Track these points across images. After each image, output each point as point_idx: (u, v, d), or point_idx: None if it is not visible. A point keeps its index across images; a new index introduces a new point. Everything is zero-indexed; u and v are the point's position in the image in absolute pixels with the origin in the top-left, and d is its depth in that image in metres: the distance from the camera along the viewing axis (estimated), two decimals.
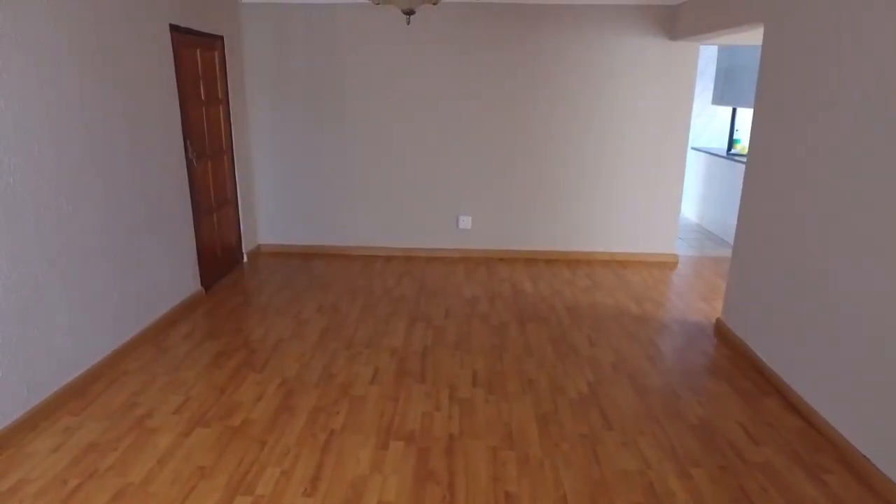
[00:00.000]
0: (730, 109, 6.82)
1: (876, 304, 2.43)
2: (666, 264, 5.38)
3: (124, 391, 2.98)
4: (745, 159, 6.09)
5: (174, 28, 3.83)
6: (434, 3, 2.17)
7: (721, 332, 3.83)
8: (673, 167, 5.23)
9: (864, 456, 2.46)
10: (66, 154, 2.87)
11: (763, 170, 3.42)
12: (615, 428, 2.76)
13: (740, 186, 5.97)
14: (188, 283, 4.13)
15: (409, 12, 2.19)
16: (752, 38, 4.66)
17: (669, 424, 2.79)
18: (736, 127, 6.57)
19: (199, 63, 4.22)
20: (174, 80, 3.85)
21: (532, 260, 5.42)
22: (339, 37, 4.94)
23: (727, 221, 6.21)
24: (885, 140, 2.40)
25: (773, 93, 3.32)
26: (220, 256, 4.64)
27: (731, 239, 6.08)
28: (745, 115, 6.77)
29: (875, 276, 2.44)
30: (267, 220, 5.44)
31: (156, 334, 3.64)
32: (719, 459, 2.54)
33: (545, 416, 2.85)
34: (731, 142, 6.57)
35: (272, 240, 5.47)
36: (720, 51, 6.34)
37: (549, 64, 4.97)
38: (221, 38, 4.55)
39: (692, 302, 4.44)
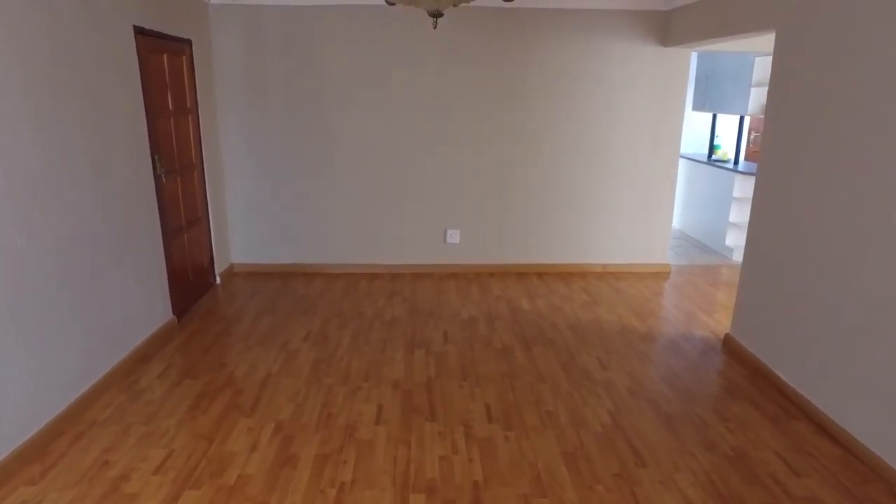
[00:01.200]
0: (708, 115, 6.81)
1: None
2: (660, 274, 5.27)
3: (93, 448, 2.59)
4: (726, 165, 6.09)
5: (139, 31, 3.44)
6: (455, 6, 1.92)
7: (731, 348, 3.70)
8: (665, 176, 5.12)
9: None
10: (16, 177, 2.47)
11: (774, 180, 3.30)
12: (649, 464, 2.55)
13: (722, 192, 6.00)
14: (159, 312, 3.73)
15: (437, 15, 1.93)
16: (745, 45, 4.60)
17: (704, 457, 2.61)
18: (716, 133, 6.55)
19: (166, 69, 3.83)
20: (140, 88, 3.47)
21: (524, 274, 5.22)
22: (317, 41, 4.62)
23: (711, 228, 6.17)
24: None
25: (784, 101, 3.20)
26: (191, 280, 4.24)
27: (715, 246, 6.06)
28: (725, 121, 6.78)
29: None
30: (240, 239, 5.05)
31: (126, 375, 3.24)
32: (764, 496, 2.37)
33: (572, 454, 2.62)
34: (712, 148, 6.55)
35: (246, 259, 5.08)
36: (699, 57, 6.30)
37: (538, 71, 4.79)
38: (189, 41, 4.16)
39: (694, 315, 4.32)
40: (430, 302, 4.50)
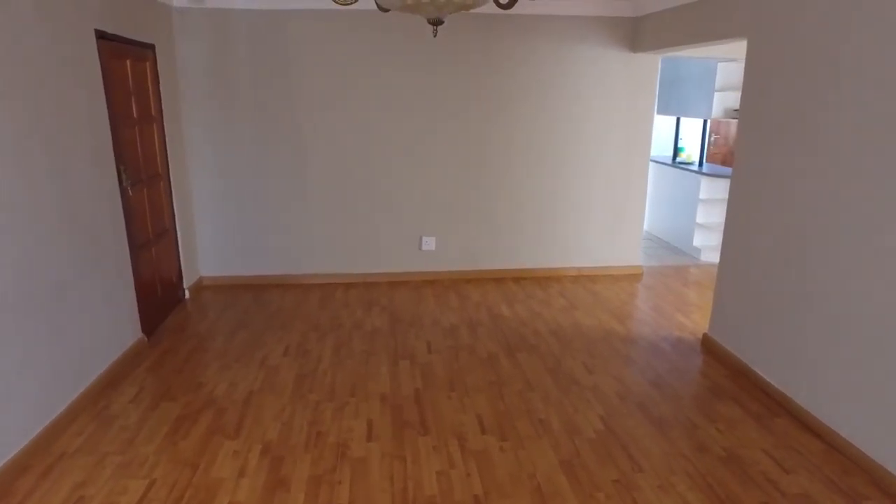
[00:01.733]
0: (671, 119, 6.99)
1: (880, 308, 2.41)
2: (633, 276, 5.35)
3: (65, 483, 2.42)
4: (691, 167, 6.26)
5: (100, 35, 3.26)
6: (449, 13, 1.88)
7: (710, 347, 3.78)
8: (635, 179, 5.21)
9: (893, 473, 2.42)
10: None
11: (749, 182, 3.40)
12: (646, 469, 2.57)
13: (689, 194, 6.16)
14: (128, 331, 3.53)
15: (437, 23, 1.89)
16: (709, 51, 4.73)
17: (698, 459, 2.64)
18: (680, 136, 6.73)
19: (129, 75, 3.65)
20: (103, 95, 3.28)
21: (500, 279, 5.21)
22: (287, 47, 4.50)
23: (678, 229, 6.33)
24: (871, 150, 2.39)
25: (757, 106, 3.30)
26: (160, 296, 4.05)
27: (683, 246, 6.21)
28: (688, 125, 6.98)
29: (875, 282, 2.42)
30: (209, 251, 4.85)
31: (95, 400, 3.05)
32: (759, 495, 2.41)
33: (569, 462, 2.61)
34: (676, 150, 6.72)
35: (215, 272, 4.89)
36: (664, 62, 6.44)
37: (511, 77, 4.80)
38: (153, 46, 3.98)
39: (671, 316, 4.40)
40: (409, 311, 4.44)
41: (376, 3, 1.88)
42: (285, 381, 3.30)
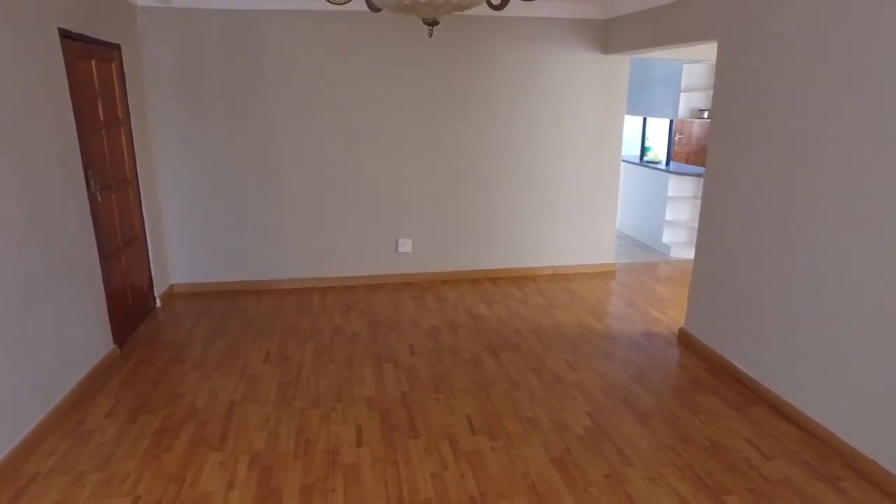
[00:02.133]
0: (637, 119, 7.15)
1: (849, 299, 2.52)
2: (606, 273, 5.45)
3: None
4: (658, 166, 6.42)
5: (65, 34, 3.12)
6: (444, 13, 1.87)
7: (687, 341, 3.88)
8: (607, 178, 5.31)
9: (870, 458, 2.54)
10: None
11: (721, 180, 3.50)
12: (635, 463, 2.61)
13: (657, 192, 6.31)
14: (99, 342, 3.39)
15: (433, 23, 1.88)
16: (676, 53, 4.87)
17: (684, 450, 2.71)
18: (646, 136, 6.89)
19: (95, 77, 3.51)
20: (69, 97, 3.15)
21: (477, 280, 5.23)
22: (259, 48, 4.40)
23: (648, 226, 6.48)
24: (837, 147, 2.50)
25: (728, 106, 3.41)
26: (131, 305, 3.90)
27: (653, 243, 6.36)
28: (654, 125, 7.15)
29: (845, 273, 2.53)
30: (180, 257, 4.71)
31: (67, 416, 2.91)
32: (744, 481, 2.49)
33: (560, 460, 2.63)
34: (643, 149, 6.88)
35: (187, 279, 4.75)
36: (631, 63, 6.60)
37: (485, 79, 4.82)
38: (118, 47, 3.84)
39: (646, 312, 4.50)
40: (388, 314, 4.40)
41: (367, 4, 1.86)
42: (268, 389, 3.23)
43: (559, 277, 5.34)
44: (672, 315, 4.41)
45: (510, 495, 2.39)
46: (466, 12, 4.49)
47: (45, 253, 2.86)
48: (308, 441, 2.75)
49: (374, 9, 1.91)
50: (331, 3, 1.77)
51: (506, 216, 5.21)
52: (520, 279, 5.27)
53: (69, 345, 3.06)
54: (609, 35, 4.84)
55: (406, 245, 5.09)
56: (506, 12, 4.61)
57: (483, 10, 4.56)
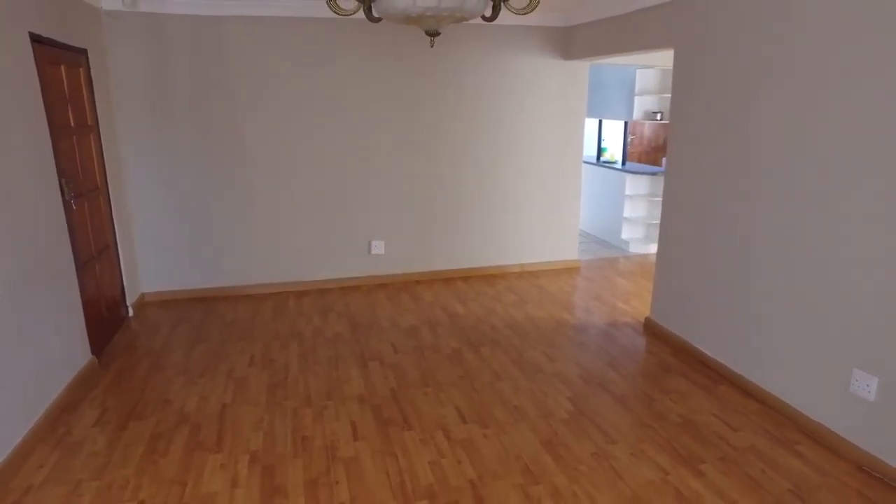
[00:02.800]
0: (593, 121, 7.47)
1: (797, 285, 2.80)
2: (572, 269, 5.70)
3: None
4: (615, 166, 6.73)
5: (35, 38, 3.07)
6: (445, 25, 2.00)
7: (652, 330, 4.14)
8: (571, 178, 5.56)
9: (820, 423, 2.82)
10: None
11: (681, 178, 3.77)
12: (618, 441, 2.81)
13: (615, 191, 6.63)
14: (78, 353, 3.33)
15: (434, 34, 2.00)
16: (631, 59, 5.15)
17: (660, 427, 2.92)
18: (602, 137, 7.22)
19: (64, 82, 3.44)
20: (42, 103, 3.09)
21: (449, 279, 5.37)
22: (227, 53, 4.40)
23: (607, 224, 6.78)
24: (784, 146, 2.79)
25: (685, 108, 3.68)
26: (105, 315, 3.83)
27: (612, 240, 6.66)
28: (609, 126, 7.49)
29: (793, 261, 2.81)
30: (151, 265, 4.63)
31: (51, 428, 2.86)
32: (716, 451, 2.72)
33: (549, 442, 2.80)
34: (600, 150, 7.20)
35: (159, 287, 4.67)
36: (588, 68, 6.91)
37: (453, 83, 4.97)
38: (85, 51, 3.77)
39: (612, 304, 4.75)
40: (366, 315, 4.48)
41: (366, 14, 1.96)
42: (257, 391, 3.25)
43: (527, 274, 5.54)
44: (636, 306, 4.67)
45: (506, 476, 2.53)
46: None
47: (24, 263, 2.80)
48: (305, 438, 2.81)
49: (373, 19, 2.02)
50: (336, 13, 1.86)
51: (475, 217, 5.37)
52: (490, 277, 5.44)
53: (49, 356, 3.00)
54: (569, 42, 5.08)
55: (379, 247, 5.17)
56: (474, 20, 4.78)
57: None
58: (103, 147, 3.97)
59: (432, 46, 2.26)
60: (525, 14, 1.86)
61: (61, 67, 3.42)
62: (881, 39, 2.41)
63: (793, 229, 2.93)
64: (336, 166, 4.88)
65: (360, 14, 4.50)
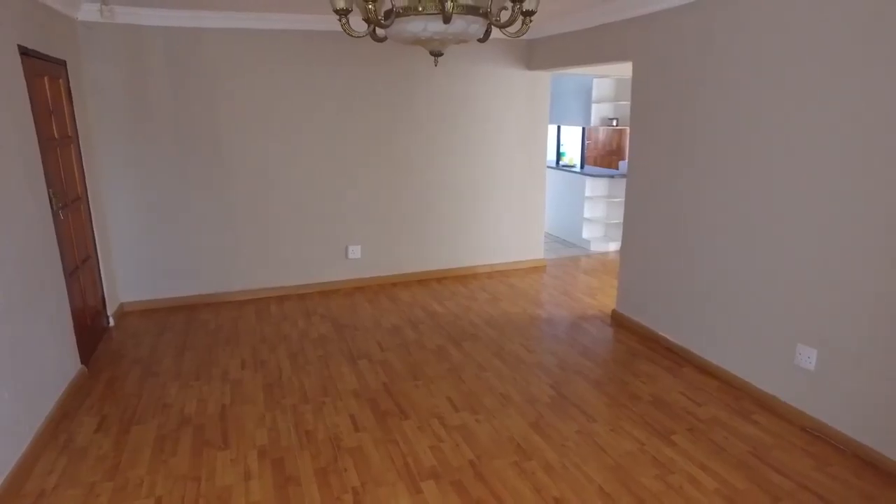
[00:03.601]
0: (552, 127, 7.85)
1: (748, 274, 3.17)
2: (539, 268, 6.00)
3: None
4: (574, 169, 7.12)
5: (23, 51, 3.10)
6: (448, 46, 2.22)
7: (619, 321, 4.47)
8: (535, 181, 5.87)
9: (772, 395, 3.19)
10: None
11: (641, 179, 4.12)
12: (598, 419, 3.09)
13: (575, 193, 7.01)
14: (69, 363, 3.35)
15: (438, 54, 2.20)
16: (596, 69, 5.51)
17: (634, 406, 3.22)
18: (561, 142, 7.59)
19: (48, 94, 3.46)
20: (31, 115, 3.12)
21: (424, 281, 5.57)
22: (205, 64, 4.48)
23: (568, 224, 7.15)
24: (732, 149, 3.15)
25: (643, 116, 4.03)
26: (89, 325, 3.84)
27: (574, 240, 7.03)
28: (567, 132, 7.88)
29: (743, 253, 3.18)
30: (130, 275, 4.63)
31: (54, 436, 2.90)
32: (684, 423, 3.03)
33: (536, 423, 3.05)
34: (559, 155, 7.57)
35: (137, 296, 4.67)
36: None
37: (424, 93, 5.19)
38: (64, 63, 3.78)
39: (580, 299, 5.07)
40: (348, 316, 4.63)
41: (372, 35, 2.16)
42: (255, 392, 3.37)
43: (498, 274, 5.81)
44: (602, 300, 5.01)
45: (502, 455, 2.76)
46: None
47: (16, 274, 2.83)
48: (308, 432, 2.95)
49: (378, 39, 2.22)
50: (349, 34, 2.03)
51: (446, 220, 5.60)
52: (463, 278, 5.68)
53: (44, 366, 3.02)
54: (533, 53, 5.40)
55: (356, 251, 5.33)
56: None
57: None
58: (83, 157, 3.98)
59: (436, 65, 2.48)
60: (518, 37, 2.10)
61: (45, 79, 3.44)
62: (805, 56, 2.80)
63: (739, 224, 3.30)
64: (313, 175, 5.01)
65: (337, 27, 4.69)
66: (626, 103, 6.62)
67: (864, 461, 2.71)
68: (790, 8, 2.89)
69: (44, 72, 3.43)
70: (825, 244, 2.84)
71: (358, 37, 2.05)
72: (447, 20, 1.80)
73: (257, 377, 3.55)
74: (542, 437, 2.91)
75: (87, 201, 4.03)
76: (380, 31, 2.18)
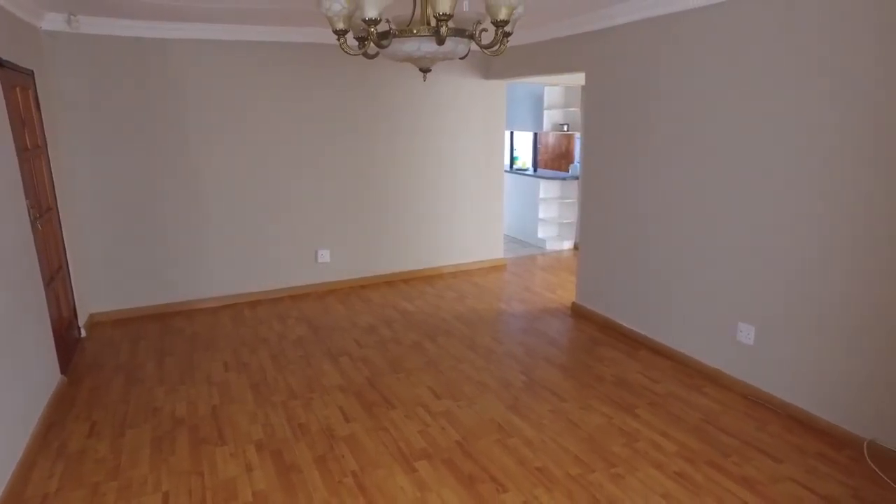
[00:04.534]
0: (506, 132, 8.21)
1: (692, 266, 3.58)
2: (500, 267, 6.31)
3: None
4: (527, 172, 7.49)
5: (0, 63, 3.12)
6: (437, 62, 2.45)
7: (579, 312, 4.82)
8: (494, 184, 6.18)
9: (717, 369, 3.59)
10: None
11: (595, 181, 4.49)
12: (568, 399, 3.39)
13: (530, 195, 7.38)
14: (51, 373, 3.36)
15: (427, 70, 2.42)
16: (547, 77, 5.87)
17: (600, 386, 3.55)
18: (514, 147, 7.96)
19: (20, 104, 3.46)
20: (9, 127, 3.14)
21: (392, 282, 5.77)
22: (174, 74, 4.53)
23: (524, 225, 7.51)
24: (678, 152, 3.56)
25: (595, 121, 4.40)
26: (64, 335, 3.82)
27: (530, 240, 7.40)
28: (520, 137, 8.26)
29: (690, 245, 3.58)
30: (100, 285, 4.60)
31: (47, 444, 2.93)
32: (645, 399, 3.38)
33: (514, 406, 3.32)
34: (512, 159, 7.93)
35: (108, 306, 4.65)
36: None
37: (387, 101, 5.40)
38: (32, 73, 3.77)
39: (541, 294, 5.41)
40: (323, 318, 4.77)
41: (364, 54, 2.37)
42: (242, 391, 3.48)
43: (462, 273, 6.08)
44: (562, 294, 5.36)
45: (485, 435, 3.01)
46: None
47: (4, 285, 2.85)
48: (301, 425, 3.11)
49: (370, 56, 2.42)
50: (346, 52, 2.23)
51: (412, 223, 5.82)
52: (429, 278, 5.91)
53: (29, 376, 3.04)
54: (490, 64, 5.71)
55: (325, 256, 5.47)
56: None
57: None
58: (52, 167, 3.96)
59: (425, 80, 2.70)
60: (495, 55, 2.36)
61: (17, 90, 3.44)
62: (728, 70, 3.21)
63: (683, 217, 3.70)
64: (280, 182, 5.12)
65: (303, 38, 4.85)
66: (576, 110, 7.06)
67: (795, 419, 3.13)
68: (713, 30, 3.30)
69: (16, 82, 3.43)
70: (756, 232, 3.25)
71: (353, 55, 2.25)
72: (440, 42, 2.04)
73: (242, 378, 3.66)
74: (520, 418, 3.18)
75: (58, 211, 4.01)
76: (372, 49, 2.39)
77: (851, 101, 2.73)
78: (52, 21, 4.05)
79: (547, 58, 4.87)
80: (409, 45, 2.14)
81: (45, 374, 3.26)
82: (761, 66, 3.11)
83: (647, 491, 2.56)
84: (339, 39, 2.21)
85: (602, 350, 4.10)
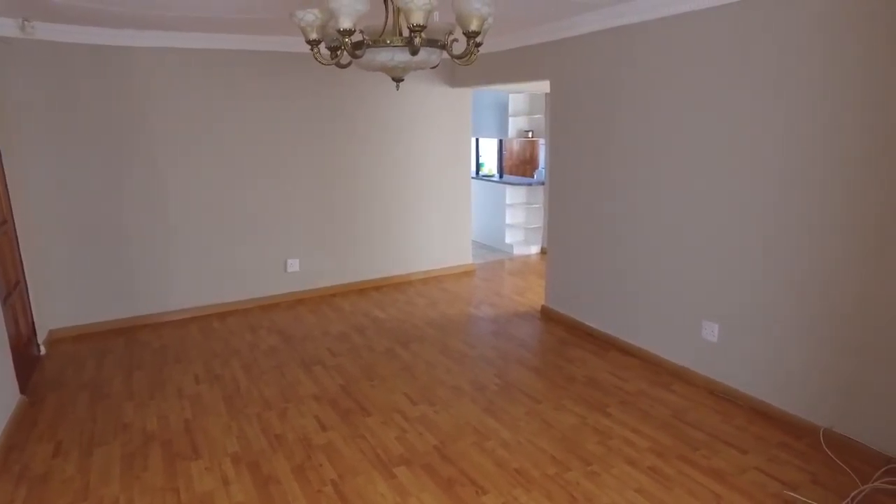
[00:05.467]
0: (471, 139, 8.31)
1: (656, 270, 3.72)
2: (469, 273, 6.38)
3: None
4: (493, 179, 7.60)
5: None
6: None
7: (548, 315, 4.92)
8: (461, 191, 6.25)
9: (685, 367, 3.73)
10: None
11: (560, 186, 4.60)
12: (542, 400, 3.46)
13: (496, 201, 7.48)
14: (9, 393, 3.24)
15: (400, 79, 2.46)
16: (510, 85, 5.98)
17: (571, 387, 3.63)
18: (480, 153, 8.06)
19: None
20: None
21: (362, 290, 5.76)
22: (138, 83, 4.43)
23: (491, 231, 7.60)
24: (642, 157, 3.70)
25: (560, 128, 4.51)
26: (23, 353, 3.68)
27: (497, 245, 7.49)
28: (485, 144, 8.36)
29: (653, 250, 3.72)
30: (59, 300, 4.44)
31: (7, 468, 2.82)
32: (616, 399, 3.48)
33: (489, 409, 3.37)
34: (478, 165, 8.03)
35: (68, 322, 4.49)
36: None
37: (354, 110, 5.41)
38: None
39: (510, 298, 5.49)
40: (294, 327, 4.73)
41: (337, 63, 2.39)
42: (215, 404, 3.42)
43: (432, 280, 6.11)
44: (531, 298, 5.46)
45: (463, 438, 3.04)
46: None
47: None
48: (277, 436, 3.08)
49: (342, 66, 2.44)
50: (321, 63, 2.24)
51: (380, 231, 5.83)
52: (399, 285, 5.92)
53: None
54: (455, 72, 5.79)
55: (294, 265, 5.42)
56: None
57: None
58: (7, 178, 3.82)
59: (398, 89, 2.73)
60: (466, 65, 2.41)
61: None
62: (692, 77, 3.37)
63: (648, 220, 3.84)
64: (248, 191, 5.06)
65: (267, 47, 4.82)
66: (540, 116, 7.20)
67: (756, 411, 3.28)
68: (673, 40, 3.45)
69: None
70: (717, 233, 3.40)
71: (326, 64, 2.27)
72: (414, 52, 2.08)
73: (215, 390, 3.60)
74: (496, 420, 3.23)
75: (14, 224, 3.87)
76: (345, 59, 2.41)
77: (796, 102, 2.90)
78: (5, 26, 3.92)
79: (512, 66, 4.98)
80: (384, 56, 2.18)
81: (2, 394, 3.13)
82: (716, 75, 3.26)
83: (621, 487, 2.64)
84: (312, 49, 2.23)
85: (573, 351, 4.19)
